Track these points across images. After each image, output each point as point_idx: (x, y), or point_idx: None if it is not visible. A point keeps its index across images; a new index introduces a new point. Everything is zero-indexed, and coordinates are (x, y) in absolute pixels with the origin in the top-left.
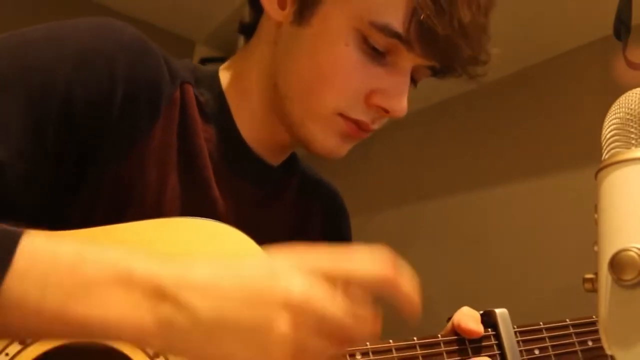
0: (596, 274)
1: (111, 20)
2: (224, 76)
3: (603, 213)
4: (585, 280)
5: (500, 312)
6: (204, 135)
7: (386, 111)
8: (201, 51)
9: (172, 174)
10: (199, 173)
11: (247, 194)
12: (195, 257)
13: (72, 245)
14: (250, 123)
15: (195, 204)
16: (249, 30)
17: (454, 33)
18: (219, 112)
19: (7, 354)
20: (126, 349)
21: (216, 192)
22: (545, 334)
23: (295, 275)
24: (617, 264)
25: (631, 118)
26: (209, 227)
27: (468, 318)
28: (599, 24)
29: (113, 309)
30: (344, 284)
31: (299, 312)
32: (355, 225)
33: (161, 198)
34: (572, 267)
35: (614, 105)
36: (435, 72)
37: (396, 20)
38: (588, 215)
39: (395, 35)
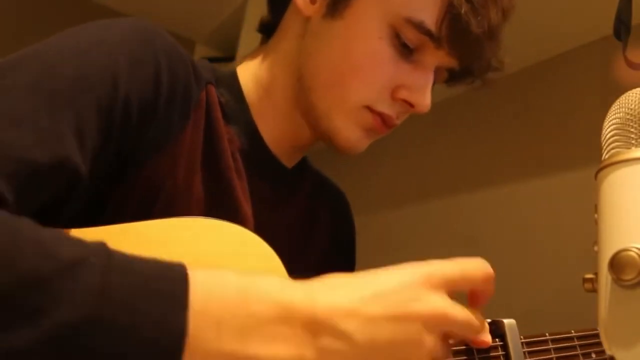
0: (596, 274)
1: (148, 25)
2: (243, 75)
3: (603, 213)
4: (585, 280)
5: (509, 322)
6: (230, 135)
7: (412, 105)
8: (201, 51)
9: (196, 175)
10: (222, 175)
11: (264, 196)
12: (336, 281)
13: (234, 280)
14: (271, 122)
15: (219, 206)
16: (269, 28)
17: (483, 34)
18: (240, 113)
19: None
20: None
21: (239, 194)
22: (550, 345)
23: (428, 290)
24: (617, 264)
25: (631, 118)
26: (229, 230)
27: None
28: (599, 24)
29: (281, 346)
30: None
31: (440, 324)
32: (356, 225)
33: (188, 199)
34: (572, 267)
35: (614, 105)
36: (452, 76)
37: (430, 18)
38: (588, 215)
39: (427, 32)
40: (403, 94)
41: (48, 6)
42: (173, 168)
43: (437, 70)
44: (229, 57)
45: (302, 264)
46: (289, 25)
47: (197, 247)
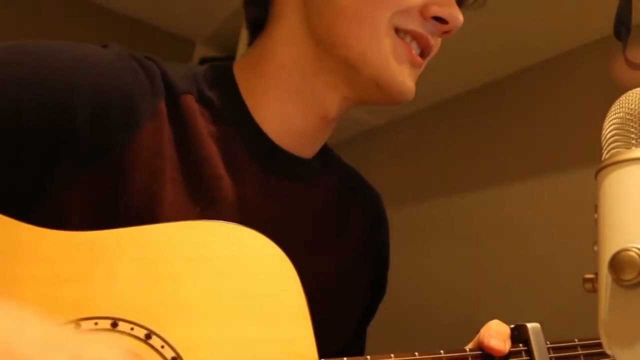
0: (596, 274)
1: (84, 44)
2: (240, 71)
3: (603, 213)
4: (585, 280)
5: (532, 326)
6: (224, 138)
7: (444, 21)
8: (201, 51)
9: (166, 184)
10: (206, 181)
11: (281, 191)
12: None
13: None
14: (277, 113)
15: (203, 211)
16: (258, 24)
17: None
18: (237, 113)
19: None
20: None
21: (230, 196)
22: (580, 351)
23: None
24: (617, 264)
25: (631, 118)
26: (230, 231)
27: (493, 334)
28: (599, 24)
29: None
30: None
31: None
32: None
33: (154, 207)
34: (572, 267)
35: (614, 105)
36: None
37: None
38: (588, 215)
39: None
40: (433, 10)
41: (48, 6)
42: (122, 179)
43: None
44: (229, 57)
45: (327, 258)
46: (284, 5)
47: (200, 250)
